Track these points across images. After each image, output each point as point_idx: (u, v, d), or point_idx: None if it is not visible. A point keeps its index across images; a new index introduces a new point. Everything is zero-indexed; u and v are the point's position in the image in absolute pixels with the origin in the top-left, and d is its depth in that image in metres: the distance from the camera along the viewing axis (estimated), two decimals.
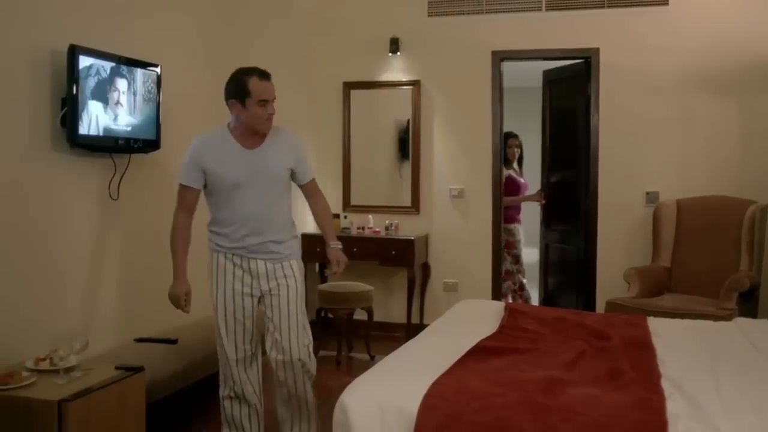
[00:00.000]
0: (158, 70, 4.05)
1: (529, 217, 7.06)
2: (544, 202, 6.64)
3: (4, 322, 3.20)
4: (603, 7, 5.89)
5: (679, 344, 3.31)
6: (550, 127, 6.68)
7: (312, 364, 3.47)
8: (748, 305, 4.89)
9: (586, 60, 6.00)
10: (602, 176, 5.99)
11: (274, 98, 3.34)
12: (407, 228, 6.32)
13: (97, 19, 3.78)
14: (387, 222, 6.28)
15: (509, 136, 6.45)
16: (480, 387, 2.59)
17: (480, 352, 3.05)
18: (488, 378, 2.69)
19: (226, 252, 3.30)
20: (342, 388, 2.76)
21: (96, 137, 3.61)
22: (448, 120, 6.34)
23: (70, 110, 3.43)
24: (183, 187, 3.31)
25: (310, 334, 3.47)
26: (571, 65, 6.28)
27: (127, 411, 3.03)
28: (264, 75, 3.30)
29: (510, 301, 6.27)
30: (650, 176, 5.90)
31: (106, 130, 3.67)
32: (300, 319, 3.38)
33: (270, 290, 3.33)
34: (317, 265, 6.53)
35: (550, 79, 6.66)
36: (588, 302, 5.99)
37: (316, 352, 5.52)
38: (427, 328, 3.76)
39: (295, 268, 3.40)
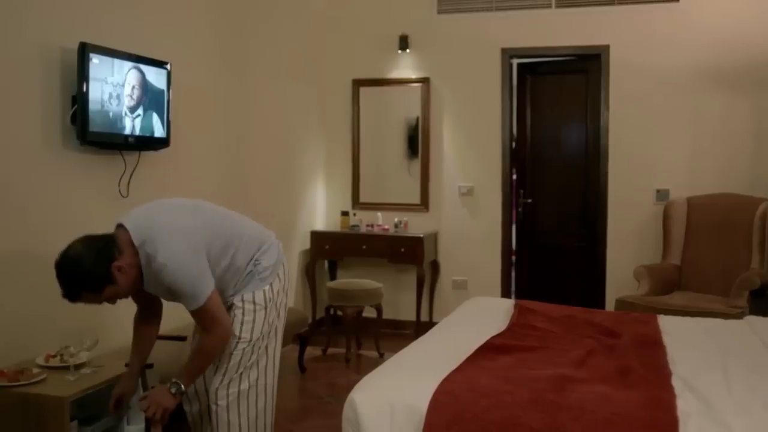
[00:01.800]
0: (168, 67, 4.06)
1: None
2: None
3: (14, 319, 3.22)
4: (613, 4, 5.87)
5: (689, 342, 3.30)
6: (532, 120, 6.62)
7: (220, 409, 2.81)
8: (759, 303, 4.87)
9: (589, 56, 5.99)
10: (612, 173, 5.97)
11: (103, 302, 2.64)
12: (416, 225, 6.31)
13: (108, 17, 3.79)
14: (396, 219, 6.28)
15: None
16: (489, 385, 2.58)
17: (489, 349, 3.05)
18: (498, 376, 2.68)
19: None
20: (351, 385, 2.76)
21: (106, 135, 3.62)
22: (457, 117, 6.33)
23: (80, 108, 3.44)
24: None
25: (229, 374, 2.81)
26: (557, 61, 6.34)
27: None
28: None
29: None
30: (660, 173, 5.88)
31: (116, 127, 3.68)
32: (224, 356, 2.80)
33: None
34: (326, 262, 6.53)
35: (529, 72, 6.60)
36: (597, 300, 5.98)
37: (325, 350, 5.59)
38: (436, 326, 3.75)
39: (243, 299, 2.84)
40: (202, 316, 2.65)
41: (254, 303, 2.83)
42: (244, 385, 2.85)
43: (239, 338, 2.80)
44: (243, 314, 2.81)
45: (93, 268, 2.48)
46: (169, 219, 2.65)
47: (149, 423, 2.70)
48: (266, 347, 2.91)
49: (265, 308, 2.85)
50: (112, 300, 2.63)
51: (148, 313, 2.90)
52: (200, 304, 2.60)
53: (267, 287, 2.86)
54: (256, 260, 2.85)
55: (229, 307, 2.84)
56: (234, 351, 2.80)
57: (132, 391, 2.83)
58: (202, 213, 2.82)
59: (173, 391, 2.68)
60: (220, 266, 2.74)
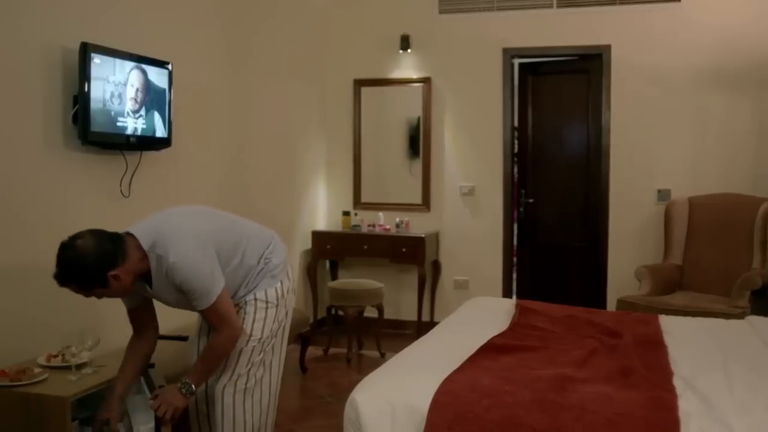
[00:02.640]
0: (170, 67, 4.06)
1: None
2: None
3: (16, 319, 3.22)
4: (614, 4, 5.87)
5: (691, 342, 3.30)
6: (534, 121, 6.60)
7: (226, 407, 2.85)
8: (761, 303, 4.87)
9: (590, 56, 5.99)
10: (613, 173, 5.97)
11: (88, 296, 2.65)
12: (418, 225, 6.31)
13: (109, 17, 3.79)
14: (397, 219, 6.28)
15: None
16: (491, 385, 2.58)
17: (491, 349, 3.05)
18: (499, 376, 2.68)
19: None
20: (352, 385, 2.77)
21: (107, 135, 3.62)
22: (458, 117, 6.33)
23: (81, 108, 3.45)
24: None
25: (237, 371, 2.84)
26: (558, 60, 6.34)
27: None
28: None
29: None
30: (662, 173, 5.88)
31: (117, 127, 3.68)
32: (233, 354, 2.83)
33: None
34: (327, 262, 6.53)
35: (531, 72, 6.57)
36: (598, 300, 5.98)
37: (326, 350, 5.59)
38: (437, 326, 3.76)
39: (255, 297, 2.88)
40: (212, 315, 2.68)
41: (266, 301, 2.87)
42: (251, 383, 2.88)
43: (250, 336, 2.83)
44: (255, 312, 2.85)
45: (91, 268, 2.49)
46: (178, 221, 2.69)
47: (159, 422, 2.70)
48: (273, 346, 2.95)
49: (276, 306, 2.90)
50: (99, 296, 2.65)
51: (143, 339, 2.85)
52: (211, 302, 2.63)
53: (278, 284, 2.91)
54: (266, 258, 2.90)
55: (241, 305, 2.87)
56: (244, 348, 2.83)
57: (119, 417, 2.76)
58: (209, 216, 2.87)
59: (184, 391, 2.69)
60: (231, 265, 2.77)
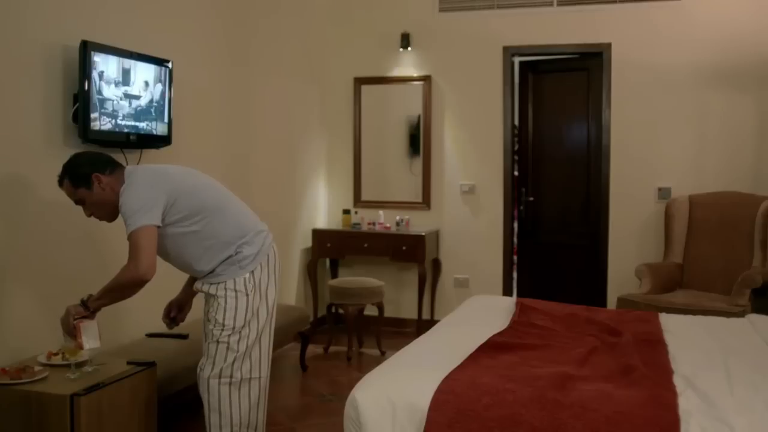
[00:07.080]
0: (170, 65, 4.06)
1: None
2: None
3: (16, 317, 3.23)
4: (615, 1, 5.86)
5: (691, 341, 3.30)
6: (534, 120, 6.60)
7: (212, 397, 2.96)
8: (761, 302, 4.86)
9: (590, 54, 5.98)
10: (614, 172, 5.96)
11: (76, 201, 2.96)
12: (418, 223, 6.31)
13: (109, 15, 3.79)
14: (398, 217, 6.27)
15: None
16: (491, 383, 2.58)
17: (491, 347, 3.05)
18: (499, 374, 2.68)
19: None
20: (353, 383, 2.77)
21: (107, 132, 3.62)
22: (459, 115, 6.33)
23: (81, 106, 3.45)
24: None
25: (218, 363, 2.94)
26: (558, 59, 6.34)
27: (139, 405, 3.05)
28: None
29: None
30: (662, 171, 5.87)
31: (117, 125, 3.68)
32: (209, 342, 2.96)
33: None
34: (328, 261, 6.53)
35: (531, 70, 6.56)
36: (599, 298, 5.98)
37: (326, 348, 5.59)
38: (437, 324, 3.76)
39: (225, 287, 2.94)
40: (130, 242, 2.78)
41: (235, 290, 2.92)
42: (236, 376, 2.93)
43: (223, 326, 2.90)
44: (225, 302, 2.91)
45: (81, 164, 2.89)
46: (154, 166, 3.04)
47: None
48: (260, 340, 2.99)
49: (247, 294, 2.93)
50: (85, 208, 2.94)
51: None
52: (131, 228, 2.76)
53: (247, 275, 2.94)
54: (237, 249, 2.94)
55: (210, 296, 2.94)
56: (220, 339, 2.90)
57: (187, 305, 3.26)
58: (195, 177, 3.06)
59: (84, 298, 2.92)
60: (187, 228, 2.89)
